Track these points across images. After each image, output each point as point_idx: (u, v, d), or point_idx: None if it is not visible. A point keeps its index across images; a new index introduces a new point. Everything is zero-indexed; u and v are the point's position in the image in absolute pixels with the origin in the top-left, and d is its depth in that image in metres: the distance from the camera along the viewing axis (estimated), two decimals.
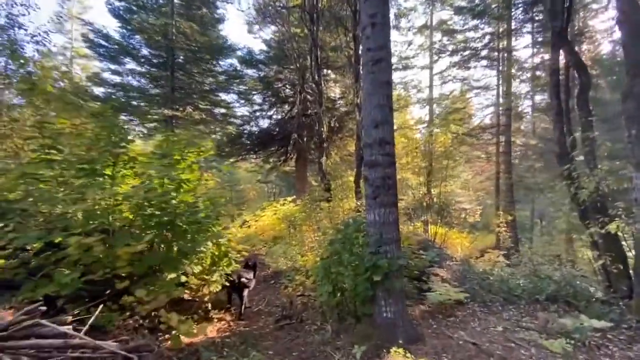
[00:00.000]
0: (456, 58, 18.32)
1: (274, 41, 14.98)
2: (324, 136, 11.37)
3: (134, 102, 11.10)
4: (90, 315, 2.68)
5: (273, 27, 15.96)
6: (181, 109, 9.59)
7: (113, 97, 10.35)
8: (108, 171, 3.18)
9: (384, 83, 3.47)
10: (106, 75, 10.82)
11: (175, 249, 2.98)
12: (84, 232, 2.44)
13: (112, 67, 10.59)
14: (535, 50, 18.05)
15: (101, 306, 2.53)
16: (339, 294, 3.65)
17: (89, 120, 3.48)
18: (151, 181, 3.04)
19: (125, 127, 4.03)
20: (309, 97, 14.79)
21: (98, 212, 2.53)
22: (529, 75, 18.00)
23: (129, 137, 3.66)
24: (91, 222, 2.47)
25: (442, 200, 12.62)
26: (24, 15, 6.57)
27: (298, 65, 12.53)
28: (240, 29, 55.65)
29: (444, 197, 12.98)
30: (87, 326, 2.16)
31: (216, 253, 3.81)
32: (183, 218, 3.13)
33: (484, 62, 18.44)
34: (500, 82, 17.72)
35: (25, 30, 6.54)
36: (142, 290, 2.55)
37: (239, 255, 4.41)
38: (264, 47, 15.90)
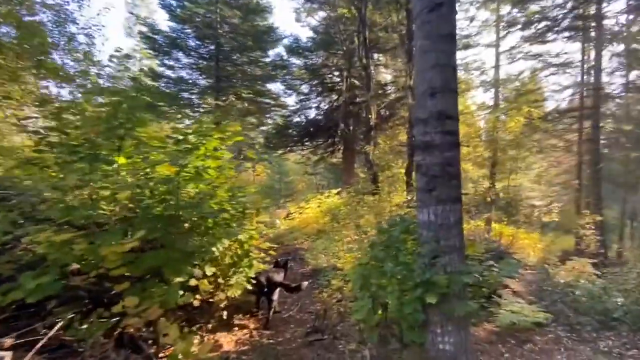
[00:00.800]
0: (529, 32, 15.80)
1: (321, 27, 14.25)
2: (371, 123, 10.42)
3: (185, 94, 11.26)
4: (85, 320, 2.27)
5: (321, 14, 15.29)
6: (224, 98, 9.43)
7: (166, 90, 10.62)
8: (118, 157, 2.78)
9: (444, 36, 2.54)
10: (160, 69, 11.13)
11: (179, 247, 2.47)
12: (65, 226, 2.06)
13: (166, 61, 10.87)
14: (632, 17, 14.78)
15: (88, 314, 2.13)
16: (380, 311, 2.87)
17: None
18: (153, 168, 2.59)
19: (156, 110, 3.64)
20: (356, 83, 13.86)
21: (77, 204, 2.10)
22: (622, 47, 14.82)
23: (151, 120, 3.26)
24: (72, 214, 2.06)
25: (509, 195, 10.94)
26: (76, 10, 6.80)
27: (345, 48, 11.66)
28: (289, 17, 55.77)
29: (512, 192, 11.27)
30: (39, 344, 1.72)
31: (239, 252, 3.27)
32: (189, 212, 2.61)
33: (565, 34, 15.61)
34: (586, 57, 14.86)
35: (77, 24, 6.73)
36: (133, 298, 2.08)
37: (265, 255, 3.83)
38: (311, 34, 15.26)
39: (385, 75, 15.77)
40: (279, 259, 5.23)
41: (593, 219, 9.38)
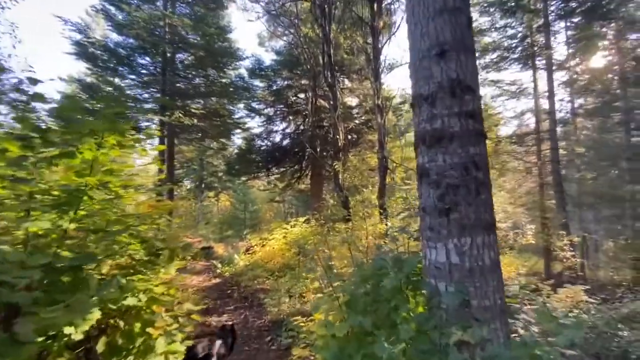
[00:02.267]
0: (485, 60, 16.46)
1: (285, 49, 13.69)
2: (340, 144, 9.56)
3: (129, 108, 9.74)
4: None
5: (284, 39, 14.82)
6: (168, 113, 8.16)
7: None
8: None
9: None
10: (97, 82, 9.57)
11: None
12: None
13: (108, 77, 9.49)
14: (571, 49, 15.92)
15: None
16: None
17: None
18: None
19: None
20: (322, 104, 13.22)
21: None
22: (566, 77, 15.78)
23: None
24: None
25: None
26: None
27: (309, 67, 11.01)
28: (252, 42, 55.96)
29: None
30: None
31: (125, 329, 1.96)
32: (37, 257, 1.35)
33: (517, 63, 16.43)
34: (538, 84, 15.53)
35: None
36: None
37: (186, 322, 2.51)
38: (275, 57, 14.65)
39: (351, 100, 15.36)
40: (226, 322, 3.87)
41: (570, 240, 8.93)
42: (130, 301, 1.82)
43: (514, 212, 14.65)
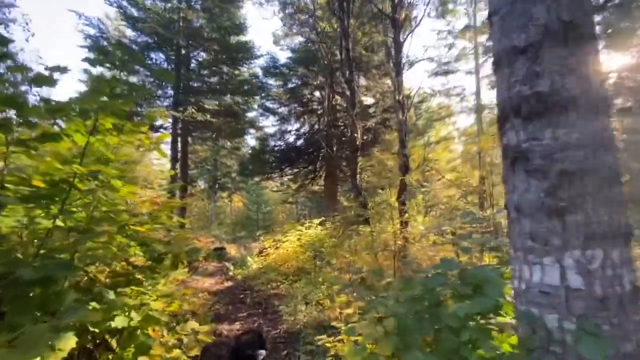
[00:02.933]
0: None
1: (300, 44, 13.34)
2: (357, 143, 9.09)
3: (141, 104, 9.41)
4: None
5: (300, 37, 14.51)
6: (181, 109, 7.90)
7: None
8: None
9: None
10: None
11: None
12: None
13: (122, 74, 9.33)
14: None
15: None
16: None
17: None
18: None
19: None
20: (339, 101, 12.79)
21: None
22: None
23: None
24: None
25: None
26: None
27: (326, 62, 10.60)
28: (266, 40, 56.11)
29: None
30: None
31: None
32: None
33: None
34: None
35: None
36: None
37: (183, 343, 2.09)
38: (290, 55, 14.32)
39: (367, 99, 14.88)
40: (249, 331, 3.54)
41: None
42: (119, 322, 1.42)
43: None
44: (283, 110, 15.17)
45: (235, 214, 28.16)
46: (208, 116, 7.59)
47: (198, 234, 16.94)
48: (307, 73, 12.73)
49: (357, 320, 2.16)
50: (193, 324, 2.03)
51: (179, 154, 12.07)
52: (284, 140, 15.60)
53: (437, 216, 10.47)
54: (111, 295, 1.38)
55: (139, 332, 1.56)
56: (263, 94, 14.07)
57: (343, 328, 2.41)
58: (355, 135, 9.05)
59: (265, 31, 38.86)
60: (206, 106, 8.85)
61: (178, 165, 10.79)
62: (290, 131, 15.86)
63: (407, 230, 6.01)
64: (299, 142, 15.68)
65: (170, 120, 8.39)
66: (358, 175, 8.99)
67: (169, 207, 2.38)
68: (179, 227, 4.43)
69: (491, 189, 8.25)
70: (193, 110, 7.34)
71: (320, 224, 9.77)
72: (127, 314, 1.46)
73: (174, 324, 2.04)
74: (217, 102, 9.30)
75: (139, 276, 1.84)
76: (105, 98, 1.76)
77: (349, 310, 2.72)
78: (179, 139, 10.93)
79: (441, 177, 14.14)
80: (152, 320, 1.58)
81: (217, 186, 26.03)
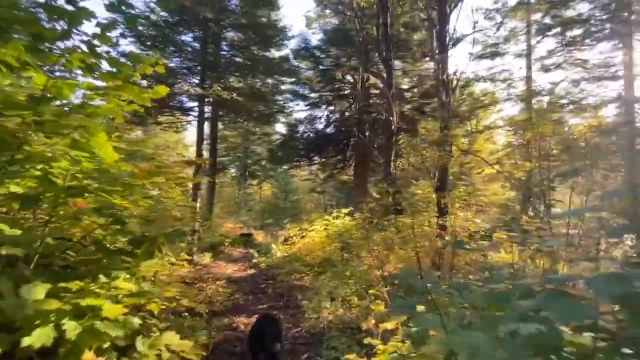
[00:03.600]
0: (563, 39, 13.91)
1: (334, 24, 12.58)
2: (393, 127, 8.29)
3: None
4: None
5: (334, 16, 13.73)
6: (206, 85, 7.51)
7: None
8: None
9: None
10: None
11: None
12: None
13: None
14: None
15: None
16: None
17: None
18: None
19: None
20: (373, 84, 11.94)
21: None
22: None
23: None
24: None
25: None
26: None
27: (361, 39, 9.80)
28: (298, 24, 55.42)
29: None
30: None
31: None
32: None
33: (606, 41, 13.61)
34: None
35: None
36: None
37: None
38: (322, 36, 13.59)
39: (403, 83, 13.83)
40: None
41: None
42: (37, 337, 0.91)
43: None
44: (313, 95, 14.56)
45: (264, 201, 28.29)
46: (234, 95, 7.16)
47: (227, 220, 17.04)
48: (339, 54, 11.95)
49: (403, 345, 1.56)
50: (168, 338, 1.48)
51: (209, 140, 11.92)
52: (314, 127, 15.04)
53: (476, 212, 9.46)
54: (26, 291, 0.89)
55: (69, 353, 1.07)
56: (293, 78, 13.53)
57: (381, 348, 1.81)
58: (391, 118, 8.25)
59: (298, 14, 38.04)
60: (235, 86, 8.45)
61: (205, 150, 10.59)
62: (320, 117, 15.26)
63: (453, 225, 5.23)
64: (329, 129, 15.05)
65: (196, 101, 8.05)
66: (392, 163, 8.21)
67: (167, 177, 1.86)
68: (189, 209, 4.04)
69: (548, 184, 7.08)
70: (218, 88, 6.95)
71: (349, 214, 9.16)
72: (61, 322, 0.98)
73: (155, 332, 1.54)
74: (244, 83, 8.83)
75: (108, 262, 1.34)
76: None
77: (389, 325, 2.10)
78: (208, 123, 10.72)
79: (481, 170, 12.90)
80: (94, 334, 1.07)
81: (247, 173, 26.22)
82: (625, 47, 13.21)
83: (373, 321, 1.89)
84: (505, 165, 10.07)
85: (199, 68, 8.13)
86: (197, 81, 8.11)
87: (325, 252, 7.73)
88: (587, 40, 13.92)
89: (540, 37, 14.58)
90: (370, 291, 3.96)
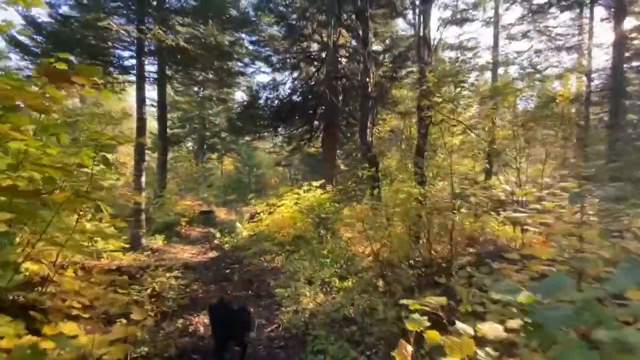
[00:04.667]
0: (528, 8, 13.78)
1: None
2: (370, 89, 7.46)
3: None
4: None
5: None
6: (145, 27, 5.87)
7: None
8: None
9: None
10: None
11: None
12: None
13: None
14: None
15: None
16: None
17: None
18: None
19: None
20: (343, 44, 10.90)
21: None
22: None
23: None
24: None
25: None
26: None
27: None
28: None
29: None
30: None
31: None
32: None
33: (568, 11, 13.68)
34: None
35: None
36: None
37: None
38: None
39: (375, 46, 12.88)
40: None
41: None
42: None
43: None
44: (277, 58, 13.13)
45: (226, 176, 26.64)
46: (182, 42, 5.72)
47: (184, 197, 15.52)
48: (307, 5, 10.59)
49: None
50: None
51: (156, 104, 10.22)
52: (278, 93, 13.73)
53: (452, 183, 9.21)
54: None
55: None
56: (254, 37, 11.98)
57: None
58: (367, 80, 7.39)
59: None
60: (180, 30, 6.83)
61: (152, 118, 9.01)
62: (284, 83, 13.95)
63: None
64: (295, 97, 13.85)
65: (134, 48, 6.38)
66: (368, 130, 7.46)
67: None
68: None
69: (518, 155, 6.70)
70: (159, 31, 5.45)
71: (320, 186, 8.40)
72: None
73: None
74: (197, 31, 7.21)
75: None
76: None
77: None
78: (154, 85, 9.03)
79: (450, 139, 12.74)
80: None
81: (205, 147, 24.26)
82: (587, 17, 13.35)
83: (410, 348, 1.13)
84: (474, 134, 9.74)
85: (133, 5, 6.35)
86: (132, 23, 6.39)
87: (297, 229, 6.97)
88: (552, 9, 13.84)
89: (508, 4, 14.32)
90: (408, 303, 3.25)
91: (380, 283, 4.25)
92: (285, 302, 3.83)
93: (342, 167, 17.91)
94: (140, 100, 6.16)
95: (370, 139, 7.55)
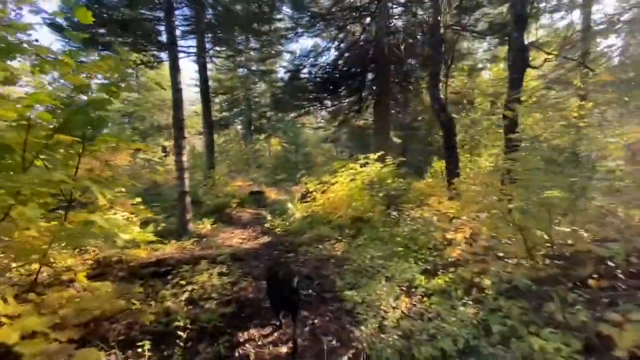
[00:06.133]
0: None
1: None
2: (441, 31, 5.81)
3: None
4: None
5: None
6: None
7: None
8: None
9: None
10: None
11: None
12: None
13: None
14: None
15: None
16: None
17: None
18: None
19: None
20: None
21: None
22: None
23: None
24: None
25: None
26: None
27: None
28: None
29: None
30: None
31: None
32: None
33: None
34: None
35: None
36: None
37: None
38: None
39: None
40: None
41: None
42: None
43: None
44: (320, 20, 11.66)
45: (274, 156, 26.38)
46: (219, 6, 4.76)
47: (235, 178, 15.28)
48: None
49: None
50: None
51: (198, 83, 9.59)
52: (322, 61, 12.37)
53: None
54: None
55: None
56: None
57: None
58: (439, 18, 5.73)
59: None
60: None
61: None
62: (329, 48, 12.50)
63: None
64: (341, 63, 12.38)
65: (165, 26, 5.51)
66: (441, 84, 5.88)
67: None
68: None
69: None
70: None
71: (379, 159, 7.12)
72: None
73: None
74: None
75: None
76: None
77: None
78: (193, 61, 8.32)
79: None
80: None
81: (252, 128, 24.09)
82: None
83: None
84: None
85: None
86: None
87: (357, 209, 5.86)
88: None
89: None
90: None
91: (488, 282, 3.01)
92: (359, 310, 2.78)
93: (396, 139, 16.22)
94: (174, 69, 5.37)
95: (444, 97, 5.98)
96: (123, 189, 3.63)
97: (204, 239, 5.32)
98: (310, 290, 3.34)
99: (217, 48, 9.13)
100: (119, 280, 2.97)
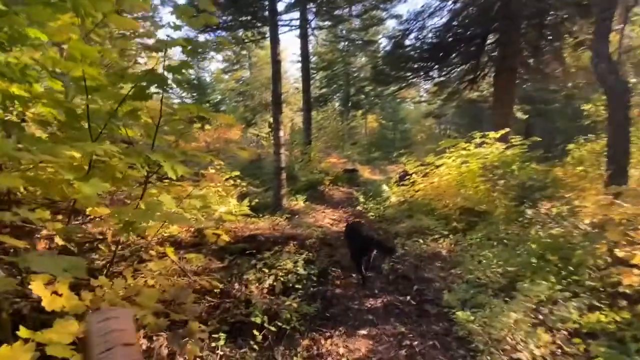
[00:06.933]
0: None
1: None
2: None
3: None
4: None
5: None
6: None
7: None
8: None
9: None
10: None
11: None
12: None
13: None
14: None
15: None
16: None
17: None
18: None
19: None
20: None
21: None
22: None
23: None
24: None
25: None
26: None
27: None
28: None
29: None
30: None
31: None
32: None
33: None
34: None
35: None
36: None
37: None
38: None
39: None
40: None
41: None
42: None
43: None
44: None
45: (370, 134, 25.53)
46: None
47: (329, 154, 15.29)
48: None
49: None
50: None
51: (300, 58, 9.51)
52: (432, 25, 10.68)
53: None
54: None
55: None
56: None
57: None
58: None
59: None
60: None
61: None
62: (441, 9, 10.69)
63: None
64: (455, 24, 10.47)
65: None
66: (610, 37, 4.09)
67: None
68: None
69: None
70: None
71: (501, 139, 5.70)
72: None
73: None
74: None
75: None
76: None
77: None
78: (296, 34, 8.17)
79: None
80: None
81: (350, 104, 23.65)
82: None
83: None
84: None
85: None
86: None
87: (469, 199, 4.80)
88: None
89: None
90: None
91: None
92: (477, 342, 2.06)
93: (519, 114, 13.29)
94: (274, 41, 5.21)
95: (616, 61, 4.17)
96: (222, 163, 3.64)
97: (296, 216, 5.23)
98: (407, 297, 2.74)
99: (319, 21, 8.77)
100: (211, 254, 2.98)
